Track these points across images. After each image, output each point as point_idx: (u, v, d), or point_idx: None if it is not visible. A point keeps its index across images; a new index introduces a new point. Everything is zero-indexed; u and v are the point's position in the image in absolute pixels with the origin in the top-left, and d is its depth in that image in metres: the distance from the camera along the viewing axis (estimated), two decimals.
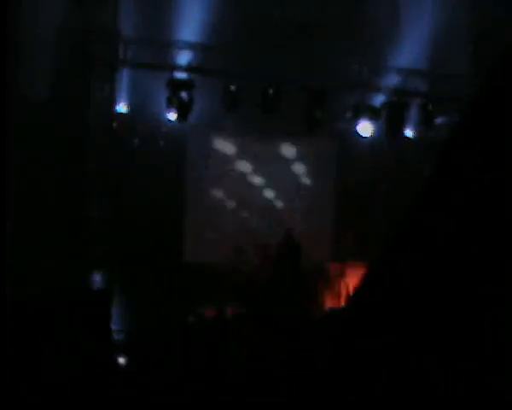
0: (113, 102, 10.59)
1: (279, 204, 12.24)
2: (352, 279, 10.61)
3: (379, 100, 11.56)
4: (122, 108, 10.90)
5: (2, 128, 5.10)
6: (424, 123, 11.55)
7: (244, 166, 12.09)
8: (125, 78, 10.80)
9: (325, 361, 1.94)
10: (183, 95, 10.88)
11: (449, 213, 1.55)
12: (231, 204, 12.03)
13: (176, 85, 10.88)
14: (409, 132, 11.88)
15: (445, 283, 1.51)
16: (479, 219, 1.49)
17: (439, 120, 11.39)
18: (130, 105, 10.99)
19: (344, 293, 10.60)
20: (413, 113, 11.60)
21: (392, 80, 11.37)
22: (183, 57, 10.94)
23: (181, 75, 10.91)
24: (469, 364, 1.49)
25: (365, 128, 11.59)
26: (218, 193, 11.95)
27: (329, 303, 10.54)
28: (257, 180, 12.18)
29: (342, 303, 10.30)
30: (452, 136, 1.62)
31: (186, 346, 7.51)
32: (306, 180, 12.38)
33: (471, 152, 1.52)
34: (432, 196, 1.60)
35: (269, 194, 12.22)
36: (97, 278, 9.37)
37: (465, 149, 1.56)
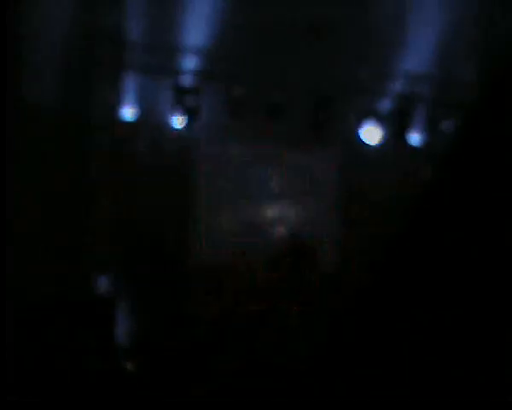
0: (117, 107, 10.60)
1: (285, 209, 12.21)
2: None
3: (385, 106, 11.54)
4: (127, 113, 10.91)
5: (3, 131, 5.11)
6: (430, 129, 11.53)
7: (249, 171, 12.07)
8: (130, 83, 10.80)
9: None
10: (190, 100, 10.91)
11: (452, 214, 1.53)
12: (236, 210, 12.01)
13: (182, 91, 10.91)
14: (415, 139, 11.84)
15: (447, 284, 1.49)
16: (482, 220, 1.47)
17: (445, 126, 11.34)
18: (136, 110, 11.00)
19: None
20: (419, 119, 11.58)
21: (398, 85, 11.35)
22: (190, 62, 10.96)
23: (187, 80, 10.94)
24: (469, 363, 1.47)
25: (371, 135, 11.58)
26: (224, 198, 11.93)
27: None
28: (262, 186, 12.16)
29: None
30: (455, 139, 1.61)
31: (187, 347, 7.50)
32: (312, 186, 12.35)
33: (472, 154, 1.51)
34: (433, 199, 1.58)
35: (275, 200, 12.19)
36: (100, 282, 9.36)
37: (466, 152, 1.54)
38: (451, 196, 1.59)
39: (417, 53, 10.95)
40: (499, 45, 10.05)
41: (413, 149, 11.79)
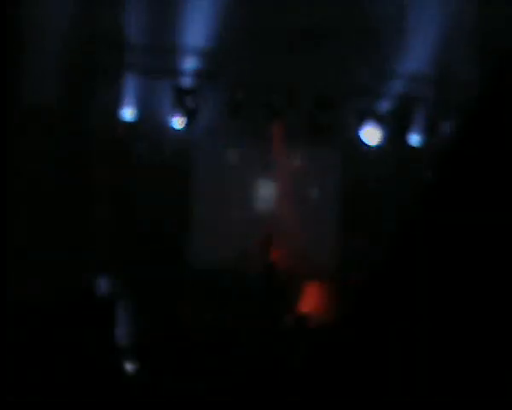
0: (117, 108, 10.61)
1: (283, 211, 12.21)
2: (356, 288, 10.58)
3: (384, 106, 11.56)
4: (127, 114, 10.92)
5: (3, 132, 5.12)
6: (429, 130, 11.55)
7: (249, 173, 12.07)
8: (130, 84, 10.82)
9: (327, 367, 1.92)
10: (189, 101, 10.93)
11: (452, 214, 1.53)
12: (235, 211, 12.00)
13: (181, 92, 10.92)
14: (414, 139, 11.85)
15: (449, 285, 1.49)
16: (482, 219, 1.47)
17: (444, 127, 11.35)
18: (135, 111, 11.01)
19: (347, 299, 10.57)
20: (418, 120, 11.59)
21: (398, 86, 11.36)
22: (189, 64, 10.98)
23: (186, 82, 10.96)
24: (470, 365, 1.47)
25: (371, 136, 11.59)
26: (223, 199, 11.93)
27: (336, 308, 10.52)
28: (261, 187, 12.16)
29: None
30: (455, 138, 1.61)
31: (188, 347, 7.48)
32: (311, 188, 12.35)
33: (473, 154, 1.51)
34: (435, 197, 1.58)
35: (273, 201, 12.18)
36: (101, 282, 9.36)
37: (467, 152, 1.54)
38: (452, 197, 1.59)
39: (417, 54, 10.96)
40: (498, 45, 10.06)
41: (413, 149, 11.81)
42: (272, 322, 8.96)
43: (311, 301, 10.84)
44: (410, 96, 11.43)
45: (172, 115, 11.05)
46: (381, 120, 11.50)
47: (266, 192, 12.15)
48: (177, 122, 11.09)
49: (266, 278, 10.60)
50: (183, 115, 11.01)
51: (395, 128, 11.61)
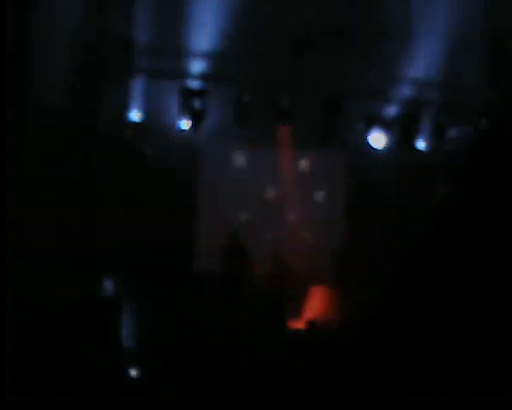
0: (126, 110, 10.65)
1: (291, 215, 12.22)
2: (362, 291, 10.62)
3: (392, 111, 11.57)
4: (134, 115, 10.95)
5: (3, 133, 5.13)
6: (437, 134, 11.56)
7: (256, 176, 12.08)
8: (138, 85, 10.86)
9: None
10: (197, 103, 10.97)
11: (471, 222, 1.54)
12: (243, 214, 12.01)
13: (189, 94, 10.96)
14: (421, 144, 11.85)
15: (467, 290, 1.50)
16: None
17: (451, 132, 11.36)
18: (144, 113, 11.05)
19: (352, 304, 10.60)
20: (426, 124, 11.61)
21: (406, 91, 11.38)
22: (197, 66, 11.02)
23: (194, 84, 11.00)
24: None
25: (378, 140, 11.59)
26: (230, 203, 11.93)
27: (338, 313, 10.53)
28: (269, 190, 12.16)
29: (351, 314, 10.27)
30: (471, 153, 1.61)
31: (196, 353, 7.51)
32: (318, 191, 12.36)
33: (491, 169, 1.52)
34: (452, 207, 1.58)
35: (280, 205, 12.19)
36: (107, 286, 9.38)
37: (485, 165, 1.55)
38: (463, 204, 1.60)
39: (424, 59, 10.97)
40: (506, 50, 10.06)
41: (420, 153, 11.82)
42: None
43: (317, 305, 10.86)
44: (418, 100, 11.44)
45: (180, 117, 11.09)
46: (388, 124, 11.51)
47: (272, 194, 12.17)
48: (184, 123, 11.13)
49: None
50: (190, 117, 11.05)
51: (402, 133, 11.62)
